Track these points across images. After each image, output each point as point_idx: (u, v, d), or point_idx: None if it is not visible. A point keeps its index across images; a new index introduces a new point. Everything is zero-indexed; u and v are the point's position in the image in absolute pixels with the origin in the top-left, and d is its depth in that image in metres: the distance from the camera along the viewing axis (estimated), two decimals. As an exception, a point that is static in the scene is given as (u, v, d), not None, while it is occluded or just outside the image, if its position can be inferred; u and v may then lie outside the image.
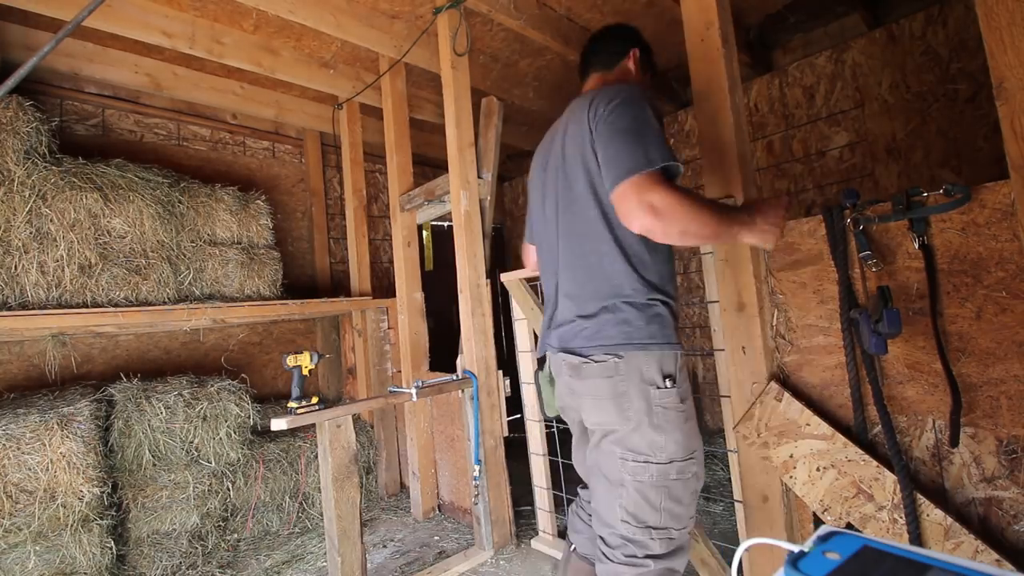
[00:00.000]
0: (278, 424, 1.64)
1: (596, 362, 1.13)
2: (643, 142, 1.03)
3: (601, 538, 1.16)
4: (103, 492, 2.10)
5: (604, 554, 1.14)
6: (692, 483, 1.14)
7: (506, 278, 2.25)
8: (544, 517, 2.30)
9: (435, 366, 2.86)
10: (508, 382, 2.41)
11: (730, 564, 1.73)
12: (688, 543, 1.17)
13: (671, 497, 1.10)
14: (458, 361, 2.45)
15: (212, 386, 2.55)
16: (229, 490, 2.52)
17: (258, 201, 3.02)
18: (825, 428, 1.31)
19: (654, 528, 1.09)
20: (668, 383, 1.11)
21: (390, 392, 2.03)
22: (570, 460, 1.45)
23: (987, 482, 1.13)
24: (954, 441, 1.13)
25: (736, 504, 1.54)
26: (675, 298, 1.19)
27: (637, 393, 1.11)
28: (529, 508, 2.55)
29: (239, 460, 2.56)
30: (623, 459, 1.11)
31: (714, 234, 1.03)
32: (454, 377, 2.30)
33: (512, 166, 5.17)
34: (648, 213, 0.98)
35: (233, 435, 2.52)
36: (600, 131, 1.10)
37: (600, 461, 1.17)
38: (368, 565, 1.92)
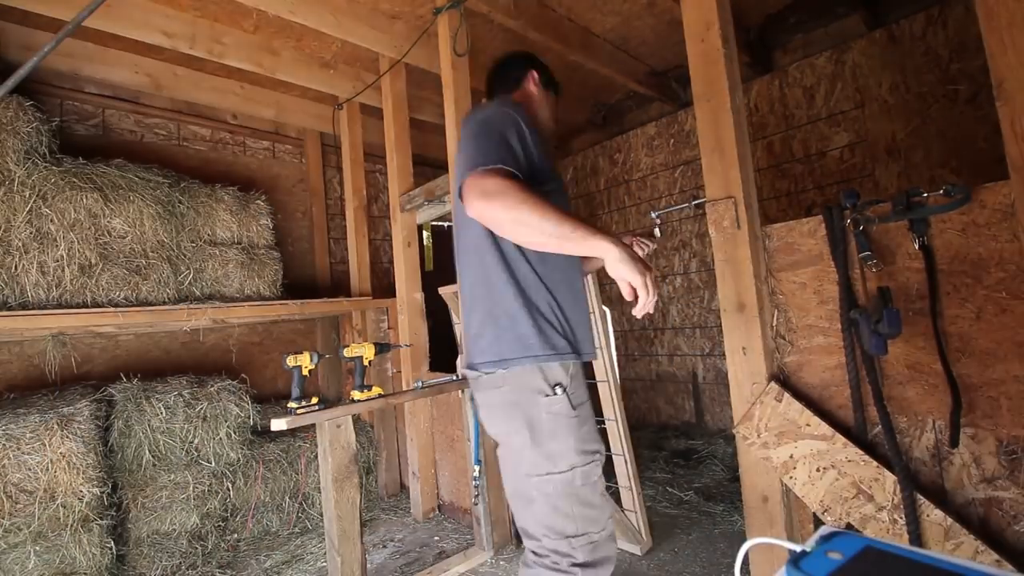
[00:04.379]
0: (278, 424, 1.64)
1: (487, 374, 1.16)
2: (487, 144, 1.04)
3: (532, 552, 1.16)
4: (103, 492, 2.10)
5: (534, 561, 1.14)
6: (600, 484, 1.16)
7: (444, 291, 2.20)
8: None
9: (435, 366, 2.86)
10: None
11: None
12: (613, 548, 1.17)
13: (582, 502, 1.11)
14: (458, 361, 2.45)
15: (212, 386, 2.55)
16: (229, 490, 2.52)
17: (258, 201, 3.01)
18: (825, 428, 1.31)
19: (572, 536, 1.10)
20: (558, 391, 1.11)
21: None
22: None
23: (987, 482, 1.13)
24: (954, 441, 1.14)
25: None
26: (563, 308, 1.17)
27: (526, 403, 1.11)
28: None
29: (239, 460, 2.56)
30: (527, 475, 1.12)
31: (556, 231, 0.93)
32: (454, 377, 2.30)
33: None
34: (480, 197, 0.96)
35: (233, 435, 2.52)
36: (461, 139, 1.13)
37: (508, 478, 1.18)
38: (368, 565, 1.92)
